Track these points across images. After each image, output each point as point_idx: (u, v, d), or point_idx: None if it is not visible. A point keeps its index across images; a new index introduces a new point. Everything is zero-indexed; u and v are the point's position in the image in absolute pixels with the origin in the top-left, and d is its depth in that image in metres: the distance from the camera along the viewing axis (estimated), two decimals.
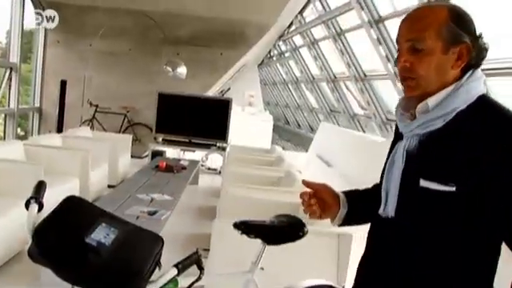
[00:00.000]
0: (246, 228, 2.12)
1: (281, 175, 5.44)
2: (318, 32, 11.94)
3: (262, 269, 2.22)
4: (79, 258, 1.32)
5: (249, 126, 12.67)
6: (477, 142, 1.29)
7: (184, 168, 6.42)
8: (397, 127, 1.56)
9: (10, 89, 9.57)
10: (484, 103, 1.37)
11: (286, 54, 16.52)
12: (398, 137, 1.50)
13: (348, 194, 1.68)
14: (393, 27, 7.91)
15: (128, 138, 8.57)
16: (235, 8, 9.43)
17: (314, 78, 14.41)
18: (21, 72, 9.78)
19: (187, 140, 8.66)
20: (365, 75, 9.95)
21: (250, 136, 11.37)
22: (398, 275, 1.41)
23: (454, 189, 1.30)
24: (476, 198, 1.29)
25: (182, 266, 1.45)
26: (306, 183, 1.64)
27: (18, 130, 10.80)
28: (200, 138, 8.65)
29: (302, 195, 1.63)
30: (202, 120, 8.71)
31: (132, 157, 8.46)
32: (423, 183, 1.35)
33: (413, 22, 1.42)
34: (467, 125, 1.33)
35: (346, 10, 9.14)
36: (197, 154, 9.21)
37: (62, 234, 1.36)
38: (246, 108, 15.02)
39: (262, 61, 18.97)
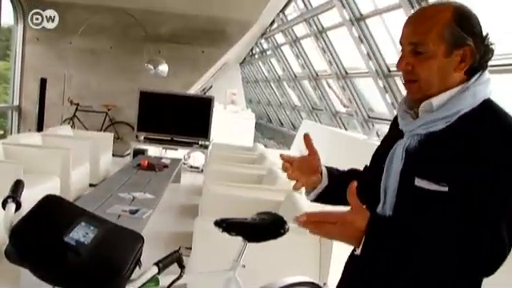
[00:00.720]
0: (227, 226, 2.12)
1: (263, 173, 5.44)
2: (300, 30, 11.98)
3: (244, 266, 2.22)
4: (58, 258, 1.30)
5: (231, 123, 12.67)
6: (476, 146, 1.28)
7: (166, 166, 6.39)
8: (394, 123, 1.55)
9: None
10: (488, 108, 1.35)
11: (268, 52, 16.54)
12: (395, 133, 1.49)
13: (329, 169, 1.66)
14: (374, 25, 7.97)
15: (109, 136, 8.51)
16: (217, 6, 9.41)
17: (296, 76, 14.45)
18: None
19: (169, 138, 8.62)
20: (346, 73, 10.01)
21: (232, 134, 11.37)
22: (392, 274, 1.39)
23: (446, 189, 1.30)
24: (468, 199, 1.28)
25: (162, 265, 1.44)
26: (284, 158, 1.62)
27: None
28: (182, 136, 8.61)
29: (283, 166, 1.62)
30: (184, 118, 8.67)
31: (114, 155, 8.40)
32: (418, 182, 1.34)
33: (416, 24, 1.39)
34: (469, 128, 1.31)
35: (327, 7, 9.18)
36: (179, 153, 9.18)
37: (40, 233, 1.35)
38: (228, 106, 15.02)
39: (244, 59, 18.96)
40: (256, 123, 14.78)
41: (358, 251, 1.29)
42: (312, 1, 10.28)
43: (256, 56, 18.39)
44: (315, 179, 1.62)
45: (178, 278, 1.55)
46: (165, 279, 1.62)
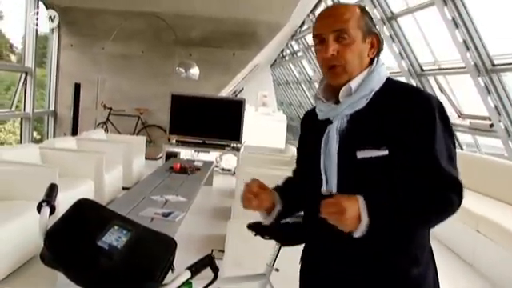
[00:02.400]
0: (261, 229, 2.09)
1: None
2: None
3: (278, 270, 2.19)
4: (91, 262, 1.30)
5: (263, 126, 12.65)
6: (395, 110, 1.51)
7: (198, 169, 6.42)
8: (308, 122, 1.76)
9: (25, 93, 9.68)
10: (393, 82, 1.62)
11: (299, 54, 16.46)
12: (315, 126, 1.65)
13: (280, 191, 1.79)
14: (406, 24, 7.85)
15: (142, 139, 8.60)
16: (246, 8, 9.41)
17: None
18: (36, 76, 9.87)
19: (201, 141, 8.66)
20: None
21: (264, 136, 11.36)
22: (345, 250, 1.54)
23: (386, 152, 1.48)
24: (404, 158, 1.48)
25: (195, 269, 1.42)
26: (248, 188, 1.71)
27: (34, 133, 10.91)
28: (214, 139, 8.65)
29: (246, 192, 1.71)
30: (216, 121, 8.70)
31: (146, 159, 8.49)
32: (360, 154, 1.51)
33: (335, 15, 1.59)
34: (385, 100, 1.55)
35: None
36: (211, 155, 9.21)
37: (74, 237, 1.35)
38: (259, 108, 15.01)
39: (275, 61, 18.93)
40: (288, 125, 14.72)
41: (358, 231, 1.42)
42: (342, 0, 10.20)
43: (287, 58, 18.32)
44: (269, 205, 1.75)
45: (211, 282, 1.53)
46: (198, 284, 1.60)
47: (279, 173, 5.70)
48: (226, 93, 11.23)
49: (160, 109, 10.09)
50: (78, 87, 10.07)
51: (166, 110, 8.96)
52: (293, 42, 15.92)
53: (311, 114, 1.75)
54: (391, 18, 7.97)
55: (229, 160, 9.47)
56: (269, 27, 10.07)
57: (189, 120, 8.77)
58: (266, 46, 10.45)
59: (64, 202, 1.54)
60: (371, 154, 1.50)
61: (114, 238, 1.37)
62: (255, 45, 10.36)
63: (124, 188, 6.74)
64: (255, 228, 2.09)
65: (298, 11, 10.08)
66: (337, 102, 1.62)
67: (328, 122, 1.62)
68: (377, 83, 1.59)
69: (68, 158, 5.89)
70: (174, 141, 8.69)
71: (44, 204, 1.47)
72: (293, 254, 2.24)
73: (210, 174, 6.98)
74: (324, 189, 1.58)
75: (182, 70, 9.46)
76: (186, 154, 9.16)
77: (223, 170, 9.49)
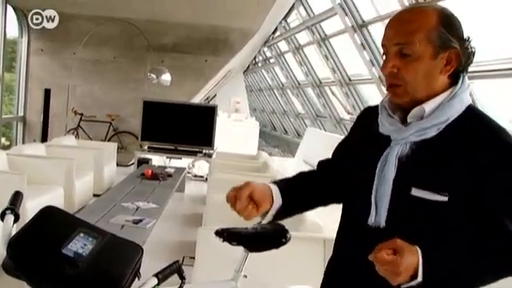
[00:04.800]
0: (228, 235, 2.10)
1: (267, 181, 5.41)
2: (303, 37, 12.00)
3: (246, 276, 2.20)
4: (56, 270, 1.29)
5: (235, 132, 12.68)
6: (469, 152, 1.29)
7: (170, 175, 6.38)
8: (364, 123, 1.53)
9: None
10: (473, 113, 1.36)
11: (272, 60, 16.57)
12: (375, 137, 1.44)
13: (280, 186, 1.58)
14: (376, 32, 7.97)
15: (113, 146, 8.52)
16: (219, 15, 9.43)
17: (299, 84, 14.47)
18: (4, 81, 9.69)
19: (173, 147, 8.61)
20: (350, 80, 10.01)
21: (236, 142, 11.37)
22: (385, 285, 1.32)
23: (446, 198, 1.28)
24: (467, 207, 1.29)
25: (162, 276, 1.42)
26: (230, 197, 1.52)
27: (3, 139, 10.71)
28: (186, 145, 8.61)
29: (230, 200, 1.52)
30: (188, 127, 8.67)
31: (118, 165, 8.41)
32: (415, 192, 1.31)
33: (401, 24, 1.36)
34: (459, 134, 1.32)
35: (329, 15, 9.20)
36: (183, 162, 9.17)
37: (38, 245, 1.33)
38: (232, 114, 15.02)
39: (248, 67, 19.01)
40: (260, 131, 14.79)
41: (410, 284, 1.22)
42: (314, 8, 10.31)
43: (259, 64, 18.43)
44: (267, 206, 1.54)
45: None
46: None
47: (252, 179, 5.73)
48: (198, 99, 11.21)
49: (132, 115, 10.01)
50: (48, 93, 9.92)
51: (137, 116, 8.89)
52: (265, 49, 16.04)
53: (374, 113, 1.48)
54: (362, 26, 8.09)
55: (201, 166, 9.45)
56: (241, 34, 10.11)
57: (161, 126, 8.72)
58: (238, 52, 10.48)
59: (33, 209, 1.53)
60: (428, 196, 1.29)
61: (80, 245, 1.36)
62: (228, 51, 10.38)
63: (95, 195, 6.66)
64: (223, 234, 2.09)
65: (271, 18, 10.15)
66: (404, 118, 1.39)
67: (389, 139, 1.40)
68: (456, 111, 1.34)
69: (37, 165, 5.80)
70: (145, 147, 8.63)
71: (8, 212, 1.45)
72: (260, 261, 2.26)
73: (182, 181, 6.96)
74: (372, 221, 1.37)
75: (154, 76, 9.41)
76: (158, 160, 9.09)
77: (195, 176, 9.45)
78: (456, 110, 1.34)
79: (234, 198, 1.50)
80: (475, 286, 1.33)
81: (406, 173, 1.34)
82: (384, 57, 1.39)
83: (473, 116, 1.35)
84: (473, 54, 1.37)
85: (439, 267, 1.23)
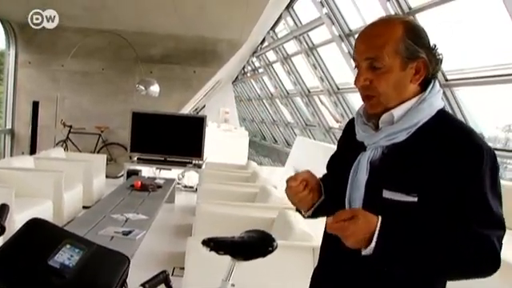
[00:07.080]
0: (215, 245, 2.10)
1: (256, 191, 5.44)
2: (291, 47, 12.06)
3: (233, 285, 2.21)
4: (42, 282, 1.30)
5: (225, 142, 12.69)
6: (437, 155, 1.33)
7: (159, 187, 6.37)
8: (348, 133, 1.57)
9: None
10: (444, 117, 1.41)
11: (260, 70, 16.62)
12: (353, 144, 1.49)
13: (326, 183, 1.59)
14: None
15: (102, 158, 8.49)
16: (206, 26, 9.46)
17: (288, 93, 14.52)
18: None
19: (163, 158, 8.61)
20: (338, 89, 10.07)
21: (226, 152, 11.37)
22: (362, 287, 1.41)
23: (416, 199, 1.32)
24: (436, 208, 1.33)
25: (149, 285, 1.43)
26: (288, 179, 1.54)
27: None
28: (175, 156, 8.60)
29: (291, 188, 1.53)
30: (177, 138, 8.66)
31: (107, 177, 8.38)
32: (386, 194, 1.36)
33: (370, 38, 1.42)
34: (429, 138, 1.36)
35: (316, 24, 9.26)
36: (173, 173, 9.16)
37: (24, 257, 1.34)
38: (221, 125, 15.05)
39: (237, 77, 19.06)
40: (250, 141, 14.83)
41: (366, 251, 1.28)
42: (302, 18, 10.37)
43: (248, 74, 18.46)
44: (316, 197, 1.56)
45: None
46: None
47: (241, 189, 5.75)
48: (187, 110, 11.22)
49: (121, 126, 9.99)
50: (36, 105, 9.89)
51: (126, 128, 8.87)
52: (254, 59, 16.08)
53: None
54: (349, 35, 8.16)
55: (191, 177, 9.43)
56: (229, 44, 10.15)
57: (150, 138, 8.71)
58: (226, 63, 10.52)
59: (21, 222, 1.53)
60: (398, 198, 1.34)
61: (66, 256, 1.37)
62: (216, 62, 10.41)
63: (84, 207, 6.64)
64: (209, 244, 2.10)
65: (259, 28, 10.21)
66: (377, 125, 1.45)
67: (363, 145, 1.46)
68: (425, 115, 1.39)
69: (25, 178, 5.77)
70: (135, 159, 8.61)
71: None
72: (250, 270, 2.27)
73: (171, 192, 6.94)
74: None
75: (143, 87, 9.40)
76: (147, 171, 9.08)
77: (185, 187, 9.43)
78: (426, 114, 1.39)
79: (292, 179, 1.52)
80: (433, 277, 1.37)
81: (378, 176, 1.39)
82: (356, 70, 1.44)
83: (443, 119, 1.40)
84: (440, 60, 1.43)
85: (395, 239, 1.28)
